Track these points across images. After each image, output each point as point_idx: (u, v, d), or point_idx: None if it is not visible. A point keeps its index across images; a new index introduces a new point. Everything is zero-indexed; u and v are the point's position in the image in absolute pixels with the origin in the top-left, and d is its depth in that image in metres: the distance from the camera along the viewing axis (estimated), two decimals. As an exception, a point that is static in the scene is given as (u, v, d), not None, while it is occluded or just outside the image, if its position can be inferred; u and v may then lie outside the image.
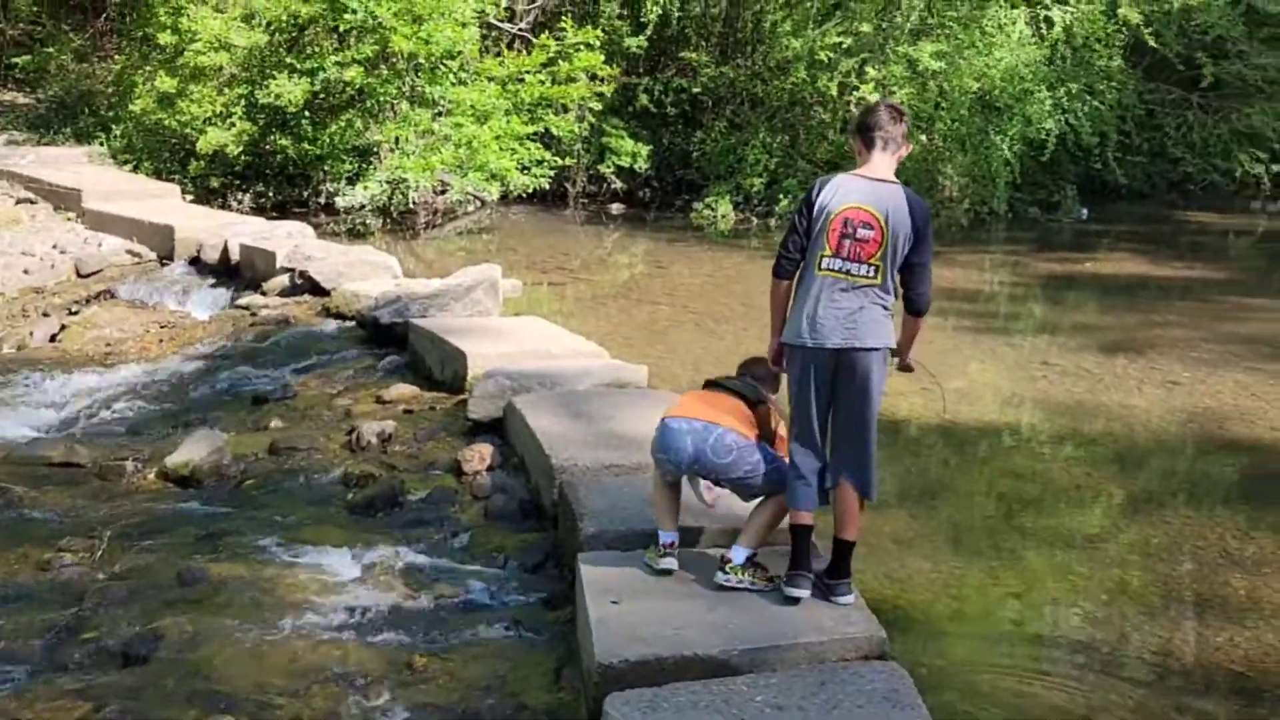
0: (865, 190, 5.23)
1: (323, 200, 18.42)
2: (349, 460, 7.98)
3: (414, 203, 17.99)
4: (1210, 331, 12.80)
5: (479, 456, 7.78)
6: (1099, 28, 21.18)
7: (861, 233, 5.16)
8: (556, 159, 19.45)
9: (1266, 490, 8.32)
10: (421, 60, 17.15)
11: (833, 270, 5.21)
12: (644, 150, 21.16)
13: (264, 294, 12.46)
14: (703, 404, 5.58)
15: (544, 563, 6.48)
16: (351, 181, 17.84)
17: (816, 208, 5.26)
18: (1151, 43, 21.39)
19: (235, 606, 5.80)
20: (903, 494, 8.02)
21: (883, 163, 5.31)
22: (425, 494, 7.42)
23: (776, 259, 5.43)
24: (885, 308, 5.24)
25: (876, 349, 5.22)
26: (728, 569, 5.41)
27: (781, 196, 20.24)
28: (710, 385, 5.73)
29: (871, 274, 5.17)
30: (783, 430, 5.62)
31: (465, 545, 6.75)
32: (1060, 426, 9.63)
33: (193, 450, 7.93)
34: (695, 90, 21.85)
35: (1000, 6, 20.82)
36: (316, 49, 17.35)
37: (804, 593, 5.26)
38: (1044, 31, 21.04)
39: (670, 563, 5.52)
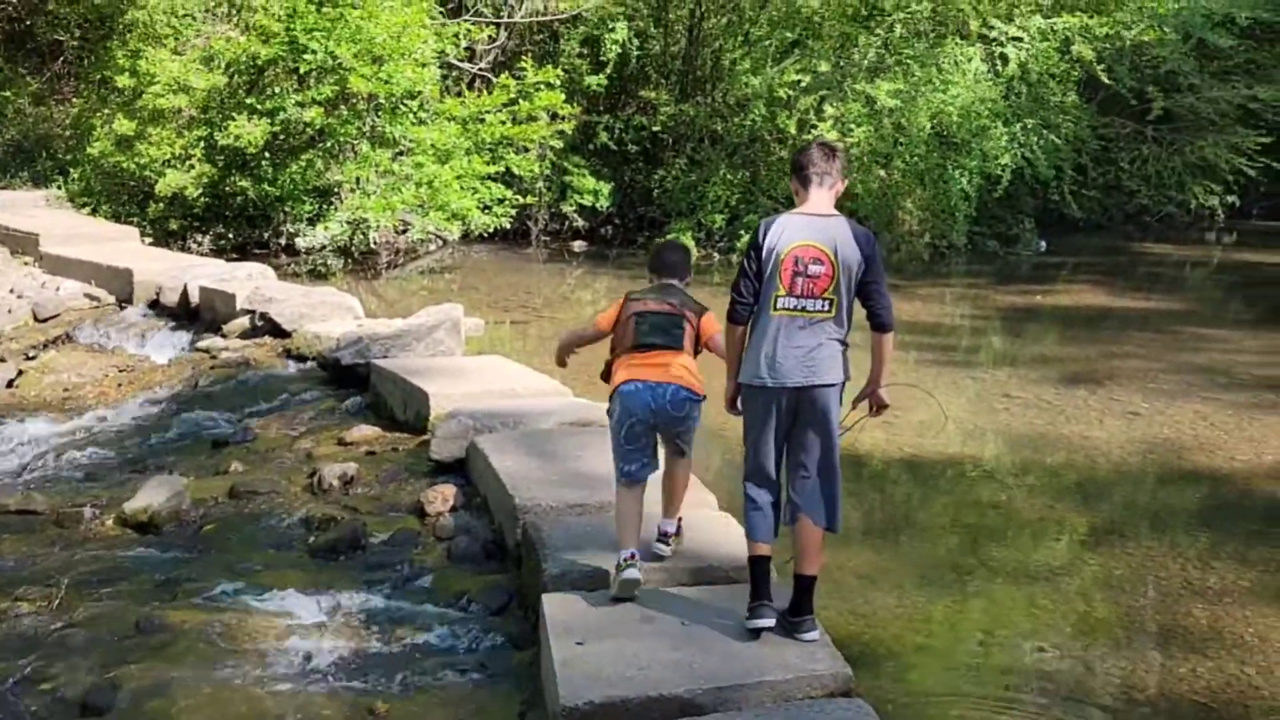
0: (810, 227, 5.27)
1: (283, 241, 18.35)
2: (310, 503, 7.89)
3: (375, 243, 17.96)
4: (1168, 362, 12.90)
5: (442, 498, 7.71)
6: (1053, 64, 21.38)
7: (813, 269, 5.19)
8: (518, 198, 19.46)
9: (1226, 520, 8.36)
10: (382, 100, 17.14)
11: (789, 309, 5.24)
12: (605, 188, 21.21)
13: (224, 336, 12.30)
14: (647, 369, 5.82)
15: (508, 604, 6.40)
16: (312, 222, 17.79)
17: (765, 250, 5.28)
18: (1104, 79, 21.60)
19: (195, 654, 5.71)
20: (867, 528, 8.03)
21: (821, 199, 5.35)
22: (388, 536, 7.33)
23: (730, 304, 5.42)
24: (841, 342, 5.27)
25: (834, 385, 5.25)
26: (670, 541, 5.93)
27: (742, 232, 20.30)
28: (642, 348, 5.87)
29: (826, 308, 5.20)
30: (710, 323, 5.95)
31: (428, 587, 6.67)
32: (1022, 458, 9.68)
33: (151, 496, 7.82)
34: (655, 128, 21.95)
35: (956, 44, 21.02)
36: (276, 90, 17.31)
37: (768, 622, 5.24)
38: (999, 68, 21.23)
39: (633, 573, 5.57)
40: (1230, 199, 24.81)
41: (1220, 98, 23.69)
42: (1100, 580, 7.20)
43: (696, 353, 5.99)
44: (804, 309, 5.21)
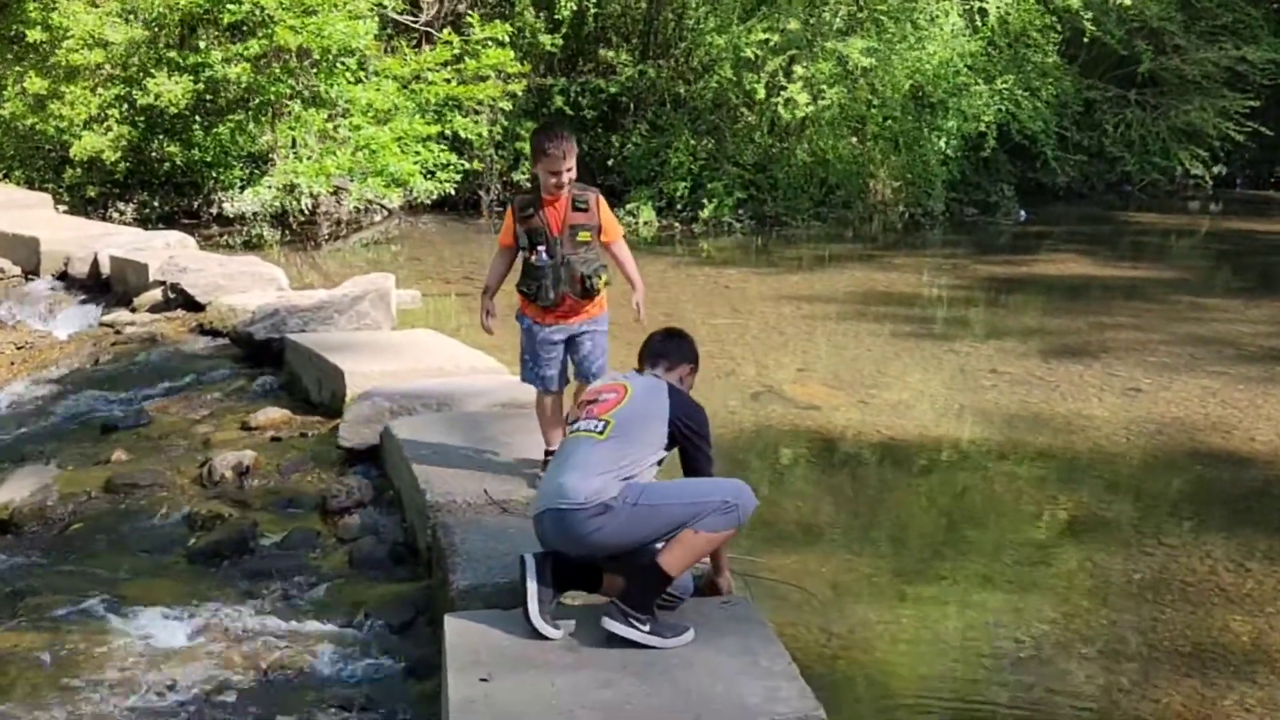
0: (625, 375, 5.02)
1: (215, 210, 17.28)
2: (197, 498, 6.96)
3: (307, 210, 16.89)
4: (1167, 333, 11.83)
5: (347, 491, 6.80)
6: (1035, 17, 20.41)
7: (604, 396, 4.86)
8: (464, 163, 18.36)
9: (1255, 512, 7.26)
10: (316, 56, 15.97)
11: (569, 433, 4.92)
12: (560, 155, 20.09)
13: (134, 310, 11.61)
14: None
15: (413, 621, 5.42)
16: (244, 189, 16.68)
17: None
18: (1091, 29, 20.67)
19: (23, 687, 4.82)
20: (842, 527, 6.92)
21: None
22: (281, 538, 6.42)
23: None
24: (614, 472, 4.61)
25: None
26: None
27: (706, 201, 19.36)
28: None
29: (600, 429, 4.70)
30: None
31: (322, 600, 5.72)
32: (1015, 441, 8.53)
33: (15, 490, 7.09)
34: (614, 91, 20.90)
35: (932, -1, 20.01)
36: (202, 45, 16.14)
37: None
38: (978, 23, 20.24)
39: None
40: (1217, 168, 23.83)
41: (1207, 59, 22.67)
42: (1119, 588, 6.04)
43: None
44: (576, 430, 4.79)
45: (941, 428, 8.84)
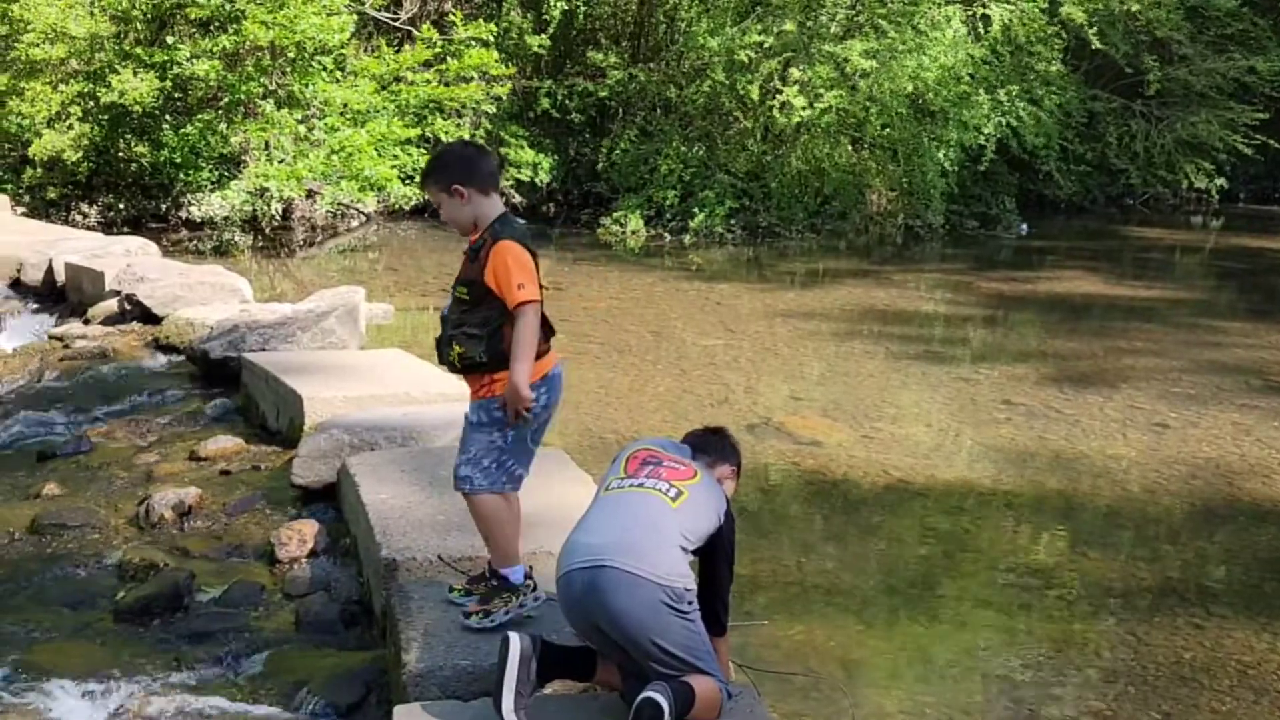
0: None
1: (184, 215, 16.55)
2: (133, 542, 6.28)
3: (279, 215, 16.14)
4: (1188, 360, 11.11)
5: (299, 539, 6.10)
6: (1039, 27, 19.76)
7: (673, 464, 4.19)
8: (446, 168, 17.63)
9: (1313, 575, 6.52)
10: (291, 53, 15.22)
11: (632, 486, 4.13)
12: (546, 161, 19.47)
13: (87, 321, 10.99)
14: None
15: (363, 702, 4.69)
16: (214, 192, 15.97)
17: None
18: (1096, 43, 20.09)
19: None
20: (854, 591, 6.15)
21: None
22: (221, 591, 5.71)
23: None
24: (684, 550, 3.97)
25: None
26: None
27: (696, 210, 18.59)
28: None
29: (674, 496, 4.06)
30: None
31: (261, 672, 4.99)
32: (1038, 487, 7.71)
33: (-73, 530, 6.16)
34: (603, 95, 20.16)
35: (933, 4, 19.30)
36: (170, 41, 15.39)
37: None
38: (981, 30, 19.58)
39: None
40: (1220, 181, 23.22)
41: (1215, 70, 22.01)
42: (1169, 670, 5.24)
43: None
44: (641, 485, 4.08)
45: (955, 468, 8.08)
